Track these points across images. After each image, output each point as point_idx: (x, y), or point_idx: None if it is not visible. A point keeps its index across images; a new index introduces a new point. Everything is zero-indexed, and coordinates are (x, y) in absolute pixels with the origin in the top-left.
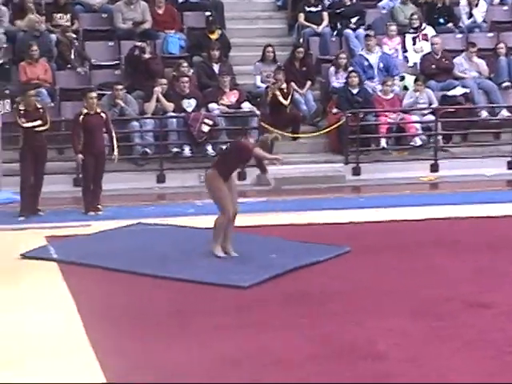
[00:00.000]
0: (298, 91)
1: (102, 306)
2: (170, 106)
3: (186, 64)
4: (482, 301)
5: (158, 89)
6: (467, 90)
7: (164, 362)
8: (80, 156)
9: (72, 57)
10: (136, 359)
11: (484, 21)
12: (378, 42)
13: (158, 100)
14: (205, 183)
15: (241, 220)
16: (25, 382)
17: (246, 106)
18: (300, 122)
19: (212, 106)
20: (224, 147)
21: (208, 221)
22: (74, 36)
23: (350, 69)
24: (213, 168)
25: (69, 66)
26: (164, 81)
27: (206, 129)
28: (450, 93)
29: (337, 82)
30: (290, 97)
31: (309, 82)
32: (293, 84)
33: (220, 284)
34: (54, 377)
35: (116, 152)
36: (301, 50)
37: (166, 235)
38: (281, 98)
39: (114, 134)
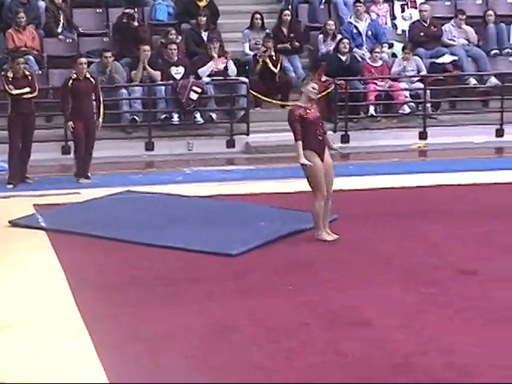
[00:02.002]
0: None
1: (90, 274)
2: (157, 74)
3: (174, 31)
4: (470, 268)
5: (144, 57)
6: (456, 58)
7: (154, 329)
8: (70, 123)
9: (60, 24)
10: (126, 326)
11: None
12: (367, 10)
13: (145, 68)
14: None
15: (229, 188)
16: (12, 349)
17: (232, 70)
18: (291, 88)
19: (201, 69)
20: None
21: (196, 189)
22: (62, 3)
23: (339, 36)
24: None
25: (58, 33)
26: (147, 48)
27: (194, 96)
28: (439, 60)
29: (325, 49)
30: (279, 64)
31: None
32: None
33: (209, 252)
34: (41, 343)
35: (101, 119)
36: (287, 13)
37: (154, 203)
38: (271, 66)
39: (101, 100)
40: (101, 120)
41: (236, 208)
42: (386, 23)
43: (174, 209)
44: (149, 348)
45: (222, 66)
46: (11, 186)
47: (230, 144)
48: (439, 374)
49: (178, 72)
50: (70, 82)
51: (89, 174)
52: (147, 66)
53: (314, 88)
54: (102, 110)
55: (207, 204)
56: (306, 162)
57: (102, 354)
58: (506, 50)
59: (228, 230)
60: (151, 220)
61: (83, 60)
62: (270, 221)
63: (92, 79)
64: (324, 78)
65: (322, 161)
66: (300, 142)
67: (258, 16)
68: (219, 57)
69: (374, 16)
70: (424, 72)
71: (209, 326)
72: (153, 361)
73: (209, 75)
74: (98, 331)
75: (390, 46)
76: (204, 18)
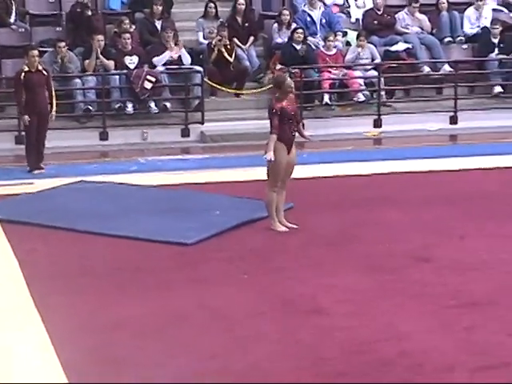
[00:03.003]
0: (240, 47)
1: (45, 264)
2: (111, 63)
3: (127, 20)
4: (425, 255)
5: (97, 46)
6: (409, 46)
7: (108, 318)
8: (26, 117)
9: (13, 14)
10: (80, 316)
11: None
12: None
13: (98, 57)
14: None
15: (184, 177)
16: None
17: (186, 59)
18: (246, 77)
19: (155, 59)
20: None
21: (151, 178)
22: None
23: (294, 26)
24: None
25: (10, 22)
26: (101, 37)
27: (148, 85)
28: (393, 48)
29: (280, 38)
30: (233, 53)
31: (252, 38)
32: (235, 40)
33: (164, 241)
34: None
35: (54, 111)
36: (242, 1)
37: (108, 193)
38: (226, 55)
39: (53, 93)
40: (54, 112)
41: (191, 197)
42: (338, 11)
43: (128, 198)
44: (102, 338)
45: (176, 56)
46: None
47: (185, 133)
48: (395, 360)
49: (131, 61)
50: (23, 74)
51: (42, 165)
52: (100, 56)
53: (290, 87)
54: (54, 102)
55: (161, 193)
56: (273, 159)
57: (56, 345)
58: (459, 38)
59: (183, 219)
60: (105, 210)
61: (35, 52)
62: (225, 210)
63: (44, 71)
64: (278, 67)
65: (289, 153)
66: (275, 136)
67: (212, 5)
68: (176, 45)
69: (329, 1)
70: (378, 60)
71: (162, 316)
72: (107, 351)
73: (163, 64)
74: (53, 321)
75: (344, 34)
76: (159, 8)
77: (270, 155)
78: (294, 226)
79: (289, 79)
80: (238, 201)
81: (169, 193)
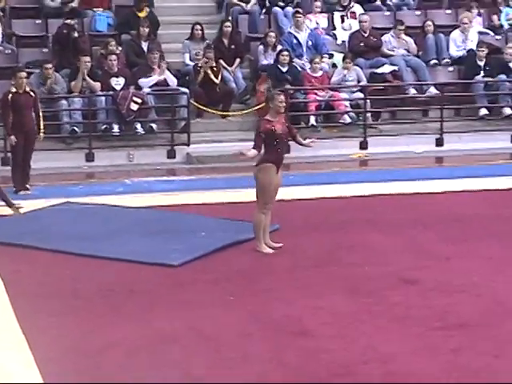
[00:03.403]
0: (227, 69)
1: (31, 286)
2: (97, 85)
3: (113, 42)
4: (410, 277)
5: (84, 67)
6: (395, 68)
7: (95, 341)
8: (13, 138)
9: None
10: (67, 338)
11: None
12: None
13: (84, 79)
14: None
15: (170, 198)
16: None
17: (171, 80)
18: (232, 99)
19: (142, 81)
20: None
21: (137, 200)
22: (1, 13)
23: (279, 47)
24: None
25: None
26: (87, 59)
27: (134, 107)
28: (379, 70)
29: (266, 60)
30: (220, 75)
31: (238, 60)
32: (222, 62)
33: (151, 263)
34: None
35: (42, 134)
36: (228, 24)
37: (94, 214)
38: (212, 77)
39: (41, 115)
40: (42, 134)
41: (177, 219)
42: (322, 33)
43: (115, 220)
44: (89, 360)
45: (162, 77)
46: None
47: (171, 154)
48: (380, 382)
49: (118, 83)
50: (10, 95)
51: (28, 186)
52: (87, 77)
53: (281, 102)
54: (42, 124)
55: (148, 215)
56: (245, 153)
57: (42, 367)
58: (445, 60)
59: (169, 241)
60: (92, 231)
61: (23, 74)
62: (211, 231)
63: (32, 93)
64: (264, 88)
65: (277, 172)
66: (255, 152)
67: (199, 27)
68: (159, 67)
69: (310, 24)
70: (364, 82)
71: (149, 338)
72: (93, 374)
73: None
74: (39, 344)
75: (330, 56)
76: (146, 29)
77: (244, 151)
78: (279, 245)
79: (281, 96)
80: (224, 222)
81: (154, 214)
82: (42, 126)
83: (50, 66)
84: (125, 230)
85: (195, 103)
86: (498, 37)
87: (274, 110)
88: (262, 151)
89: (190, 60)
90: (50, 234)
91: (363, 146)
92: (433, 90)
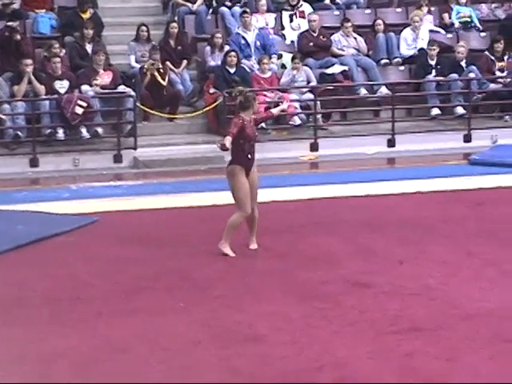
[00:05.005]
0: (173, 71)
1: None
2: (42, 88)
3: (57, 44)
4: (364, 281)
5: (29, 70)
6: (346, 68)
7: (41, 350)
8: None
9: None
10: (12, 348)
11: None
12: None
13: (29, 82)
14: None
15: (116, 204)
16: None
17: (121, 88)
18: (179, 101)
19: (85, 88)
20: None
21: (83, 205)
22: None
23: (227, 48)
24: None
25: None
26: (30, 61)
27: (79, 111)
28: (329, 71)
29: (213, 61)
30: (166, 77)
31: (185, 61)
32: (168, 63)
33: None
34: None
35: None
36: (174, 25)
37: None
38: (159, 79)
39: None
40: None
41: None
42: (269, 33)
43: None
44: (36, 370)
45: (108, 80)
46: None
47: (118, 159)
48: None
49: (62, 86)
50: None
51: None
52: (34, 80)
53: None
54: None
55: None
56: (225, 143)
57: None
58: (396, 59)
59: None
60: None
61: None
62: (28, 224)
63: None
64: (212, 91)
65: (247, 176)
66: (230, 137)
67: (144, 28)
68: (105, 70)
69: (257, 24)
70: (314, 83)
71: (97, 347)
72: None
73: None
74: None
75: (279, 56)
76: (90, 31)
77: (226, 140)
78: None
79: (255, 103)
80: (44, 216)
81: None
82: None
83: None
84: None
85: (142, 106)
86: (450, 35)
87: (251, 111)
88: (230, 154)
89: (136, 62)
90: None
91: (314, 147)
92: (384, 90)
